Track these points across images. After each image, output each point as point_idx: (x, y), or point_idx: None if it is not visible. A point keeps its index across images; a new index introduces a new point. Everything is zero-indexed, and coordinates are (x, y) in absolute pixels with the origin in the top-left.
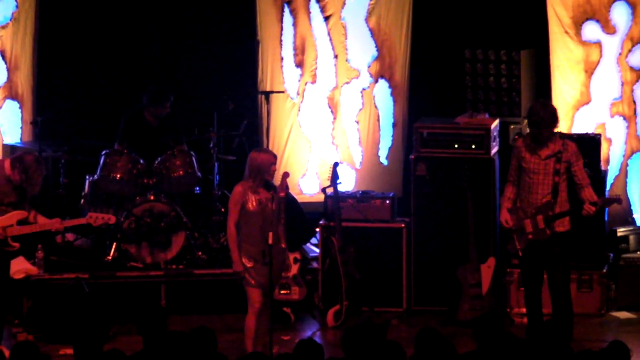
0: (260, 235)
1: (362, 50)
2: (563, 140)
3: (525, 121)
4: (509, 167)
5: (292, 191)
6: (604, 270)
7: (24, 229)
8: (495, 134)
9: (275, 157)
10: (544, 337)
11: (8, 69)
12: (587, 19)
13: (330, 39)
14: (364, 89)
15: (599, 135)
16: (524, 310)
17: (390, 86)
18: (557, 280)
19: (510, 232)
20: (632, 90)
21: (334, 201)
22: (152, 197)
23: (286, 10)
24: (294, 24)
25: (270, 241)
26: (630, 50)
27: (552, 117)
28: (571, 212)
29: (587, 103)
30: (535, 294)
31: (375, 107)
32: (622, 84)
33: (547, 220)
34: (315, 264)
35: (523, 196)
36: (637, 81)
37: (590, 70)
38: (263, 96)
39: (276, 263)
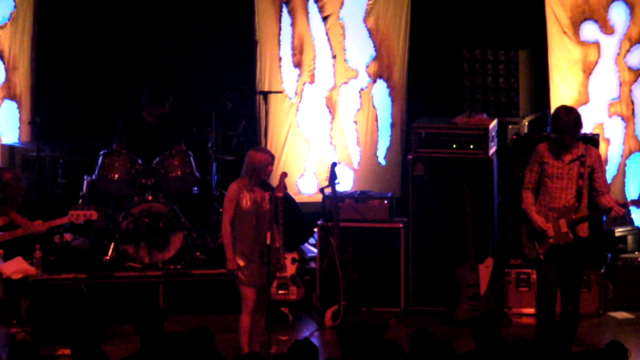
0: (253, 235)
1: (360, 50)
2: (585, 145)
3: (524, 121)
4: (528, 173)
5: (290, 191)
6: (602, 271)
7: (8, 235)
8: (493, 134)
9: (272, 157)
10: (550, 339)
11: (6, 69)
12: (585, 19)
13: (329, 39)
14: (362, 89)
15: (597, 135)
16: (522, 310)
17: (388, 86)
18: (570, 286)
19: (531, 236)
20: (630, 91)
21: (332, 201)
22: (150, 197)
23: (284, 10)
24: (292, 24)
25: (268, 241)
26: (628, 51)
27: (577, 122)
28: (595, 215)
29: (585, 103)
30: (551, 298)
31: (374, 107)
32: (620, 84)
33: (570, 224)
34: (313, 264)
35: (544, 202)
36: (635, 81)
37: (588, 70)
38: (261, 96)
39: (272, 263)
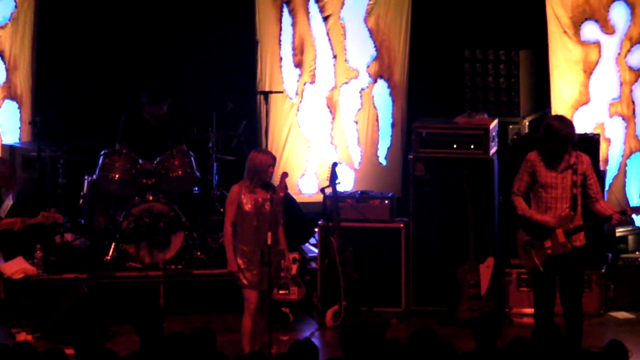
0: (254, 236)
1: (361, 50)
2: (576, 152)
3: (524, 121)
4: (517, 181)
5: (291, 191)
6: (603, 271)
7: None
8: (494, 134)
9: (274, 158)
10: (548, 341)
11: (7, 69)
12: (586, 19)
13: (329, 39)
14: (362, 89)
15: (598, 135)
16: (523, 310)
17: (389, 86)
18: (571, 295)
19: (526, 248)
20: (631, 90)
21: (333, 201)
22: (150, 197)
23: (285, 10)
24: (293, 24)
25: (269, 242)
26: (629, 50)
27: (572, 131)
28: (594, 224)
29: (586, 103)
30: (548, 307)
31: (374, 107)
32: (621, 84)
33: (567, 234)
34: (314, 264)
35: (539, 213)
36: (635, 81)
37: (589, 70)
38: (262, 96)
39: (273, 264)
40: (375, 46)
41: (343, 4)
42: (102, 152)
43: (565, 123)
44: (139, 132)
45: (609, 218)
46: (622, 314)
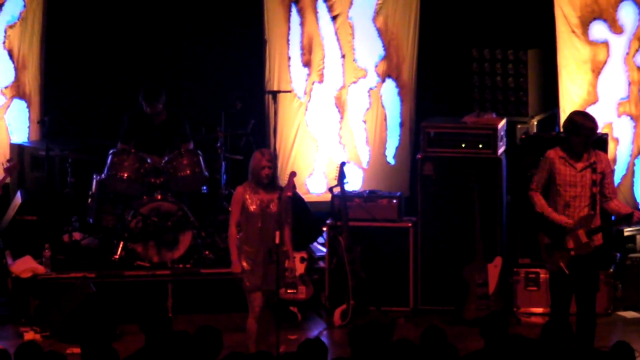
0: (259, 237)
1: (369, 49)
2: (595, 151)
3: (533, 120)
4: (536, 178)
5: (299, 190)
6: (611, 270)
7: None
8: (502, 133)
9: (271, 160)
10: (560, 339)
11: (15, 69)
12: (594, 19)
13: (338, 39)
14: (371, 89)
15: (606, 134)
16: (530, 309)
17: (397, 86)
18: (588, 295)
19: (550, 249)
20: (639, 90)
21: (341, 200)
22: (159, 197)
23: (293, 9)
24: (302, 24)
25: (277, 240)
26: (637, 50)
27: (594, 125)
28: (614, 223)
29: (594, 103)
30: (566, 307)
31: (383, 106)
32: (629, 84)
33: (589, 234)
34: (322, 263)
35: (557, 211)
36: None
37: (597, 69)
38: (270, 96)
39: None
40: (383, 45)
41: (351, 3)
42: (111, 151)
43: (587, 117)
44: (142, 131)
45: (630, 216)
46: (630, 314)
